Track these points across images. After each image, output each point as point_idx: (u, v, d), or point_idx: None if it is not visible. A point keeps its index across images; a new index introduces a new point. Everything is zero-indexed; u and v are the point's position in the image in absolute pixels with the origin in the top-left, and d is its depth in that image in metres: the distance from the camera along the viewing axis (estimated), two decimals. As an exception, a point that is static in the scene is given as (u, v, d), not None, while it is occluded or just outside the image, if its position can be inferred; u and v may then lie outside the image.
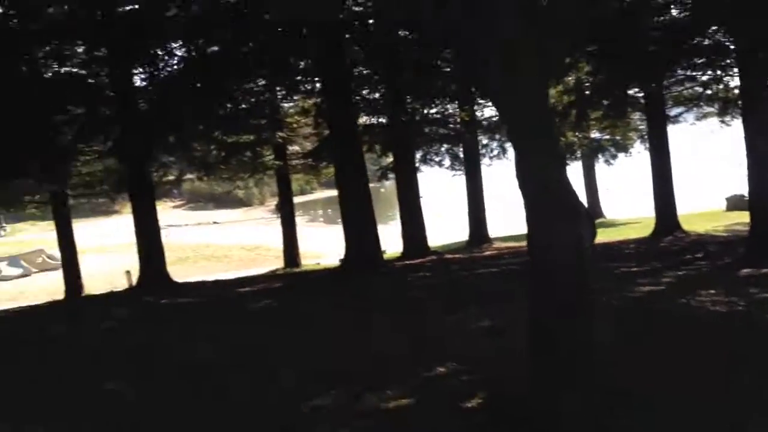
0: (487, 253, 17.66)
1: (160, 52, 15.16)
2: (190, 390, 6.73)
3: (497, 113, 14.69)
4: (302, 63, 15.19)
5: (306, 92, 17.99)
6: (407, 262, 16.25)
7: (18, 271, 32.89)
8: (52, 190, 18.82)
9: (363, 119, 18.75)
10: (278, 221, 49.01)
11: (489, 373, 6.17)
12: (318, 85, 16.63)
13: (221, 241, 41.52)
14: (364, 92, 17.42)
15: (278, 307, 11.96)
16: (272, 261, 29.96)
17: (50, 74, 15.10)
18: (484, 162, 22.53)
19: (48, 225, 53.32)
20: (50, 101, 13.87)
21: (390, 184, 36.72)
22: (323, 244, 33.39)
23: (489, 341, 7.40)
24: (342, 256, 16.20)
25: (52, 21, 13.83)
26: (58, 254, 32.25)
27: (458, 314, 8.89)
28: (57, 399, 6.79)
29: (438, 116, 19.60)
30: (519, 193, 4.92)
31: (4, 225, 55.25)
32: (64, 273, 21.19)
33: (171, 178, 21.78)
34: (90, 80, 16.35)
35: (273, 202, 67.87)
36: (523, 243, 5.89)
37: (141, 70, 15.72)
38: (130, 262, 29.12)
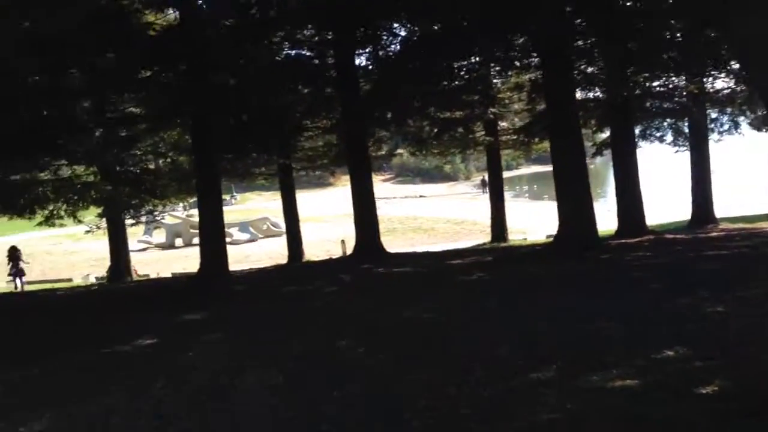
0: (714, 234, 16.38)
1: (383, 35, 15.80)
2: (418, 346, 7.17)
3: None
4: (521, 38, 15.00)
5: (521, 67, 17.79)
6: (623, 240, 15.58)
7: (246, 236, 35.83)
8: (281, 162, 20.54)
9: (578, 94, 18.15)
10: (483, 196, 49.62)
11: (726, 360, 5.84)
12: (535, 60, 16.38)
13: (427, 214, 42.53)
14: (582, 66, 16.82)
15: (491, 279, 12.12)
16: (477, 235, 30.20)
17: (281, 57, 16.29)
18: (712, 137, 20.85)
19: (272, 195, 58.23)
20: (282, 82, 15.02)
21: (600, 161, 35.35)
22: (528, 220, 33.08)
23: (723, 327, 6.96)
24: (551, 233, 15.89)
25: (287, 9, 14.88)
26: (280, 222, 35.21)
27: (686, 297, 8.46)
28: (296, 351, 7.54)
29: (662, 89, 18.41)
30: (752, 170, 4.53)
31: (234, 194, 60.85)
32: (288, 239, 23.06)
33: (382, 153, 22.74)
34: (315, 61, 17.53)
35: (478, 178, 68.06)
36: (757, 225, 5.46)
37: (364, 51, 16.50)
38: (344, 232, 31.05)
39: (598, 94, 18.72)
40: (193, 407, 5.82)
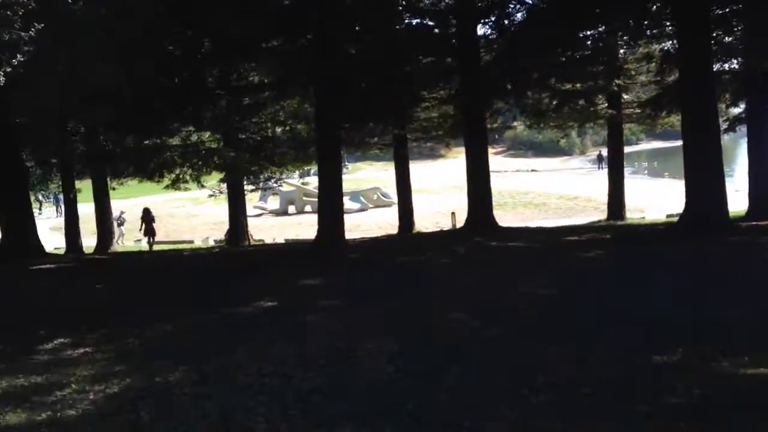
0: None
1: (510, 3, 15.47)
2: (534, 321, 7.05)
3: None
4: (654, 6, 14.24)
5: (652, 36, 16.90)
6: (753, 222, 14.64)
7: (357, 205, 36.36)
8: (396, 133, 20.63)
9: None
10: (598, 172, 48.06)
11: None
12: (668, 28, 15.54)
13: (539, 188, 41.67)
14: (719, 35, 15.78)
15: (610, 257, 11.72)
16: (591, 212, 29.36)
17: (401, 26, 16.26)
18: None
19: (383, 165, 58.99)
20: (405, 52, 15.01)
21: (729, 138, 33.19)
22: (645, 198, 31.75)
23: None
24: (671, 212, 15.05)
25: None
26: (390, 193, 35.58)
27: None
28: (411, 320, 7.59)
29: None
30: None
31: (346, 164, 61.93)
32: (399, 210, 23.22)
33: (496, 125, 22.34)
34: (437, 31, 17.39)
35: (593, 152, 65.99)
36: None
37: (487, 20, 16.20)
38: (453, 204, 30.95)
39: (735, 65, 17.55)
40: (312, 370, 5.98)
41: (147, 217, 23.32)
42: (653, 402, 4.80)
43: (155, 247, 23.30)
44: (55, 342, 7.51)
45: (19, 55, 7.60)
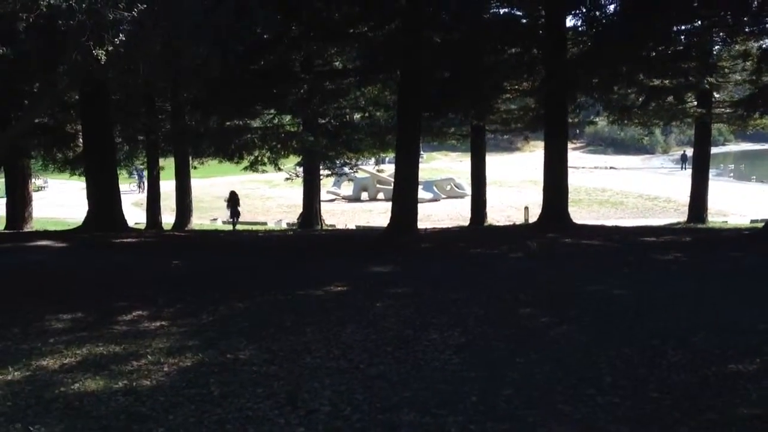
0: None
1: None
2: (606, 321, 6.89)
3: None
4: (756, 1, 13.56)
5: (749, 33, 16.11)
6: None
7: (429, 195, 36.15)
8: (475, 124, 20.44)
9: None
10: (680, 172, 46.41)
11: None
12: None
13: (617, 186, 40.59)
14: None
15: (690, 261, 11.31)
16: (671, 213, 28.44)
17: (489, 15, 16.03)
18: None
19: (458, 156, 58.67)
20: (492, 41, 14.83)
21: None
22: (729, 202, 30.52)
23: None
24: (757, 218, 14.32)
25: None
26: (464, 184, 35.37)
27: None
28: (480, 313, 7.54)
29: None
30: None
31: (422, 153, 61.89)
32: (472, 201, 23.05)
33: (577, 120, 21.81)
34: (524, 21, 17.09)
35: (677, 152, 63.73)
36: None
37: (577, 11, 15.79)
38: (527, 198, 30.51)
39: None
40: (379, 356, 6.05)
41: (233, 199, 24.02)
42: (726, 411, 4.66)
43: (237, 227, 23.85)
44: (133, 314, 7.84)
45: (121, 35, 7.91)
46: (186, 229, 22.51)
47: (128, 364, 5.91)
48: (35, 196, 24.83)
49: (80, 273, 11.04)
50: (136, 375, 5.61)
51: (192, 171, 23.94)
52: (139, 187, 39.52)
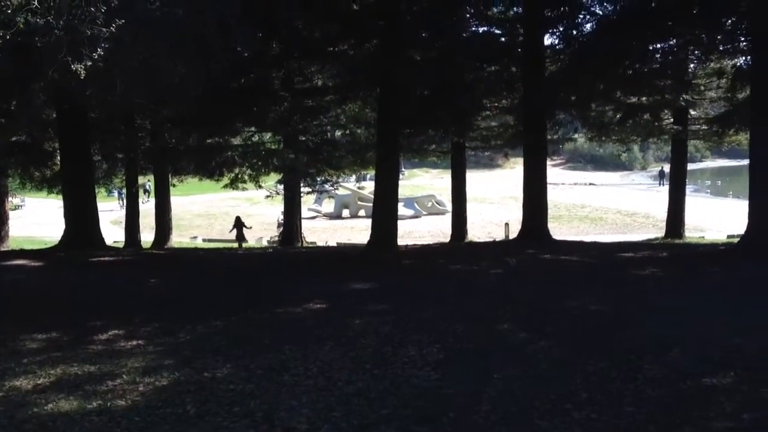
0: None
1: (580, 13, 15.28)
2: (583, 337, 6.93)
3: None
4: (729, 20, 13.82)
5: (724, 52, 16.40)
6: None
7: (410, 212, 36.19)
8: (455, 141, 20.54)
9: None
10: (659, 188, 46.90)
11: None
12: (742, 43, 15.08)
13: (596, 203, 40.96)
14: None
15: (666, 276, 11.42)
16: (649, 229, 28.75)
17: (468, 34, 16.19)
18: None
19: (439, 173, 58.87)
20: (470, 59, 14.95)
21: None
22: (706, 218, 30.93)
23: None
24: (733, 233, 14.46)
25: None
26: (445, 201, 35.46)
27: None
28: (459, 329, 7.55)
29: None
30: None
31: (402, 170, 61.99)
32: (453, 218, 23.10)
33: (556, 137, 22.00)
34: (502, 39, 17.30)
35: (655, 168, 64.49)
36: None
37: (555, 30, 16.04)
38: (508, 215, 30.67)
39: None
40: (357, 373, 6.04)
41: (239, 223, 24.81)
42: (700, 424, 4.73)
43: (211, 244, 23.85)
44: (109, 333, 7.75)
45: (99, 50, 7.88)
46: (165, 247, 22.34)
47: (103, 384, 5.84)
48: (12, 214, 24.56)
49: (56, 292, 10.90)
50: (110, 395, 5.54)
51: (172, 189, 23.80)
52: (119, 204, 39.25)
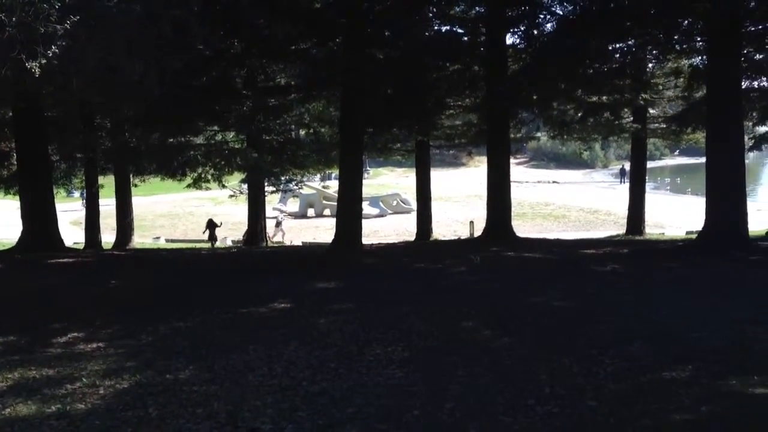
0: None
1: (540, 13, 15.44)
2: (546, 333, 7.00)
3: None
4: (686, 21, 14.09)
5: (681, 51, 16.73)
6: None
7: (375, 211, 36.20)
8: (419, 139, 20.62)
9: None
10: (620, 186, 47.72)
11: None
12: (698, 43, 15.40)
13: (559, 200, 41.46)
14: (749, 52, 15.58)
15: (626, 272, 11.59)
16: (611, 226, 29.20)
17: (431, 33, 16.25)
18: None
19: (403, 172, 59.00)
20: (432, 58, 15.00)
21: (753, 156, 32.80)
22: (666, 214, 31.55)
23: None
24: (691, 229, 14.81)
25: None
26: (410, 199, 35.57)
27: None
28: (423, 327, 7.57)
29: None
30: None
31: (367, 169, 61.95)
32: (418, 217, 23.19)
33: (519, 135, 22.23)
34: (465, 38, 17.39)
35: (616, 166, 65.56)
36: None
37: (516, 29, 16.18)
38: (472, 213, 30.87)
39: (765, 83, 17.35)
40: (322, 372, 6.02)
41: (211, 225, 25.27)
42: (660, 417, 4.80)
43: (172, 245, 23.62)
44: (68, 336, 7.61)
45: (54, 47, 7.71)
46: (127, 248, 21.99)
47: (62, 387, 5.73)
48: (-33, 216, 23.90)
49: (13, 295, 10.66)
50: (70, 399, 5.44)
51: (133, 189, 23.42)
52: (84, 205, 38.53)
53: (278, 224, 29.70)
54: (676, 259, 12.73)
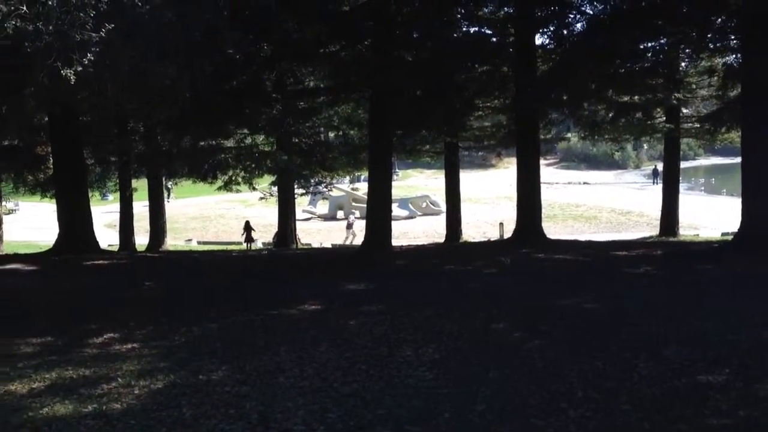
0: None
1: (570, 12, 15.31)
2: (578, 335, 6.93)
3: None
4: (719, 18, 13.87)
5: (715, 50, 16.45)
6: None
7: (405, 212, 36.26)
8: (448, 141, 20.59)
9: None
10: (652, 187, 47.06)
11: None
12: (733, 41, 15.13)
13: (591, 202, 41.03)
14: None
15: (660, 274, 11.44)
16: (643, 227, 28.81)
17: (459, 34, 16.21)
18: None
19: (433, 174, 58.86)
20: (461, 59, 14.97)
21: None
22: (700, 215, 31.02)
23: None
24: (727, 230, 14.50)
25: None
26: (439, 201, 35.51)
27: None
28: (453, 329, 7.56)
29: None
30: None
31: (396, 171, 61.91)
32: (447, 218, 23.15)
33: (549, 136, 22.06)
34: (493, 39, 17.33)
35: (649, 167, 64.61)
36: None
37: (546, 29, 16.07)
38: (502, 215, 30.71)
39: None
40: (353, 374, 6.04)
41: (248, 227, 26.07)
42: (696, 421, 4.73)
43: (204, 247, 23.90)
44: (104, 336, 7.73)
45: (89, 54, 7.87)
46: (160, 250, 22.30)
47: (98, 387, 5.82)
48: (6, 218, 24.49)
49: (50, 296, 10.86)
50: (106, 398, 5.53)
51: (165, 192, 23.78)
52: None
53: (350, 225, 29.26)
54: (710, 261, 12.53)
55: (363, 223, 17.44)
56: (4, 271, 13.82)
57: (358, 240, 26.78)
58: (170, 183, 35.64)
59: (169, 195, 39.82)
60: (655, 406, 5.01)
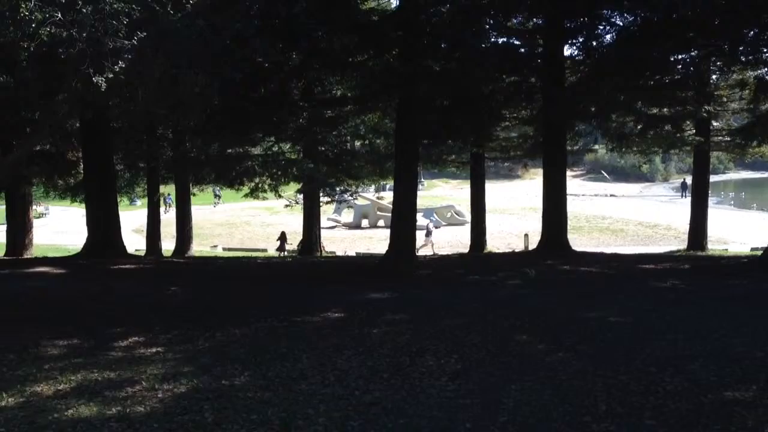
0: None
1: (599, 24, 15.22)
2: (603, 348, 6.86)
3: None
4: (751, 31, 13.69)
5: (746, 63, 16.22)
6: None
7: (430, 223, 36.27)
8: (474, 151, 20.54)
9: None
10: (681, 200, 46.45)
11: None
12: (765, 55, 14.91)
13: (617, 214, 40.58)
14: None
15: (687, 289, 11.28)
16: (670, 241, 28.40)
17: (487, 44, 16.17)
18: None
19: (458, 184, 58.79)
20: (489, 70, 14.95)
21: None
22: (729, 230, 30.50)
23: None
24: (757, 245, 14.22)
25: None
26: (464, 211, 35.36)
27: None
28: (476, 339, 7.51)
29: None
30: None
31: (422, 180, 61.90)
32: (472, 228, 23.07)
33: (576, 147, 21.89)
34: (522, 50, 17.27)
35: (677, 180, 63.88)
36: None
37: (574, 41, 15.98)
38: (527, 226, 30.51)
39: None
40: (374, 382, 6.04)
41: (282, 237, 26.26)
42: (721, 438, 4.63)
43: (234, 253, 24.04)
44: (129, 340, 7.82)
45: (120, 62, 8.02)
46: (186, 255, 22.51)
47: (122, 390, 5.89)
48: (36, 222, 24.87)
49: (78, 299, 11.02)
50: (130, 401, 5.58)
51: (192, 198, 24.01)
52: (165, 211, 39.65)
53: (429, 233, 27.62)
54: (739, 276, 12.34)
55: (387, 232, 17.43)
56: (33, 274, 14.05)
57: (436, 249, 26.02)
58: (218, 189, 38.46)
59: (219, 199, 44.67)
60: (680, 422, 4.94)
